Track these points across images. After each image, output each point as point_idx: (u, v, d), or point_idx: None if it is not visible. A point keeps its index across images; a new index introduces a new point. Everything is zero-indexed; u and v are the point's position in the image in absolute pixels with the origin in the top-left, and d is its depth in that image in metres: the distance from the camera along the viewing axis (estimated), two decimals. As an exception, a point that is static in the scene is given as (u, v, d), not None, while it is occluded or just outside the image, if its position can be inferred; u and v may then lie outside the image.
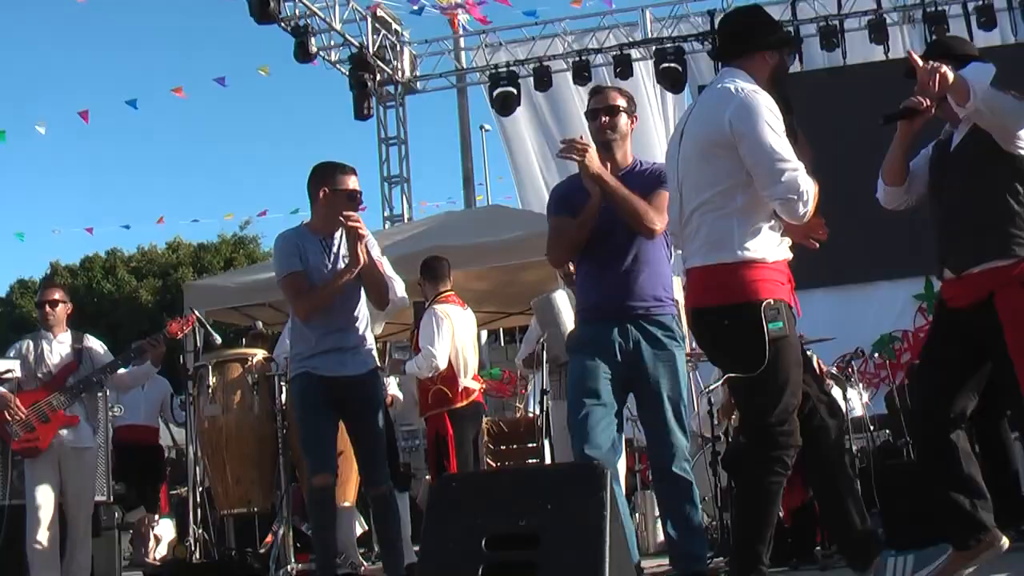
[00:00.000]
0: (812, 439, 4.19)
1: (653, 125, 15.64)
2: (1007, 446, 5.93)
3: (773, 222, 4.15)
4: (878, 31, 13.57)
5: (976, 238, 4.32)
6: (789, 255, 4.24)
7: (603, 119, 4.94)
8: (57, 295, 7.23)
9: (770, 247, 4.12)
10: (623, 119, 4.96)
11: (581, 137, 4.77)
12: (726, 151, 4.07)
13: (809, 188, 4.01)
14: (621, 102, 4.95)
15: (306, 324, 5.58)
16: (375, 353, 5.87)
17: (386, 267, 6.04)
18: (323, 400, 5.54)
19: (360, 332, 5.68)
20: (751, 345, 3.99)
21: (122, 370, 7.06)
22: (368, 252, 5.50)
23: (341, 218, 5.42)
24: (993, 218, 4.27)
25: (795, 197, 3.98)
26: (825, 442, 4.24)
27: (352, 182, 5.62)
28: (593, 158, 4.71)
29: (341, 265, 5.57)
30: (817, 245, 4.26)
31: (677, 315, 4.90)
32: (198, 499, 7.57)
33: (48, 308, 7.13)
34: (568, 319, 6.58)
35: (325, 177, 5.62)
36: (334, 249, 5.64)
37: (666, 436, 4.78)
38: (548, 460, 6.81)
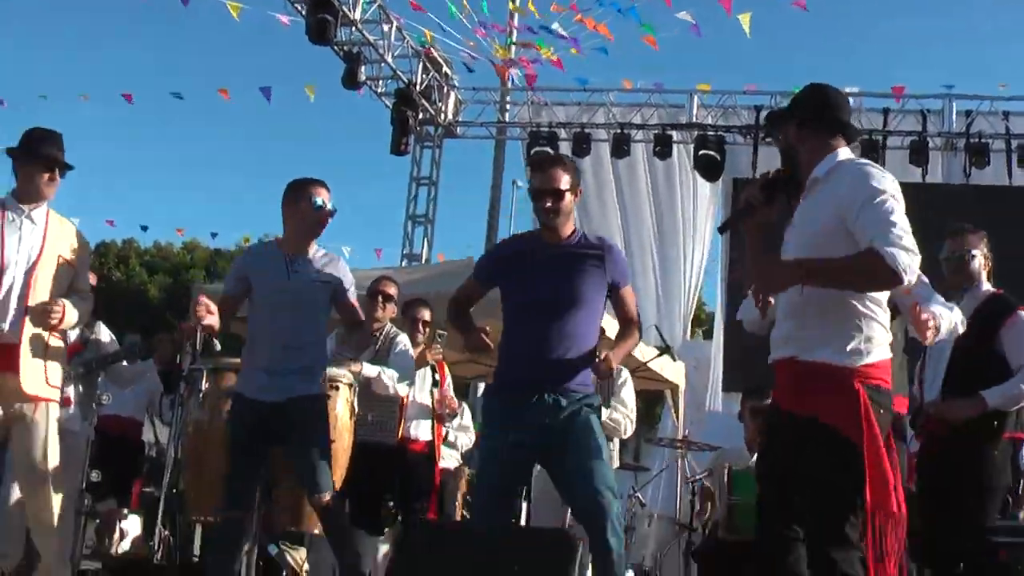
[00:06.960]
0: None
1: (681, 208, 15.66)
2: None
3: None
4: (919, 153, 13.62)
5: None
6: None
7: (548, 202, 4.82)
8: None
9: None
10: (567, 198, 4.83)
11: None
12: None
13: None
14: (564, 183, 4.82)
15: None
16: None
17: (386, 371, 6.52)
18: None
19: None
20: None
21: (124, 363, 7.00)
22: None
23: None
24: None
25: None
26: None
27: (321, 195, 5.50)
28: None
29: (297, 283, 5.55)
30: None
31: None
32: (170, 501, 7.49)
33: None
34: None
35: (295, 192, 5.56)
36: (296, 267, 5.58)
37: None
38: (523, 521, 6.73)
